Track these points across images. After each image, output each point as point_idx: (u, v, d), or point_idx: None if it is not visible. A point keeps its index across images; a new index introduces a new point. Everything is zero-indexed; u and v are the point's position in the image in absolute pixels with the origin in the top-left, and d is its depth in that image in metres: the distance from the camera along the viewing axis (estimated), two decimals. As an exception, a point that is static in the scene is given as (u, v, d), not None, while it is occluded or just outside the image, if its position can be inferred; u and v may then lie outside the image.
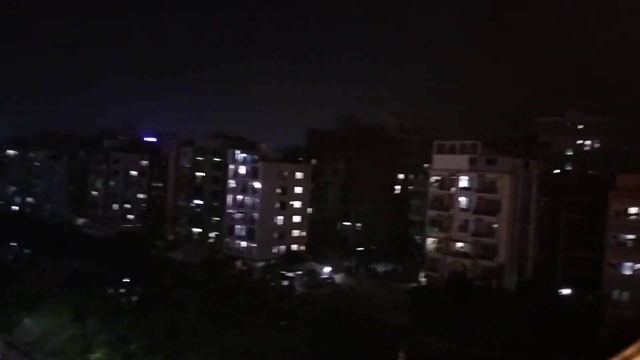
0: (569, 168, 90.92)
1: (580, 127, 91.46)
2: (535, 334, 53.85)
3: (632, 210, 65.39)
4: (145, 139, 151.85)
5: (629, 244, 65.28)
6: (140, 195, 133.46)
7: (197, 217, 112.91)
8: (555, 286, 76.06)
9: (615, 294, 65.08)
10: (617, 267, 65.57)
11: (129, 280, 73.47)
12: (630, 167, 78.93)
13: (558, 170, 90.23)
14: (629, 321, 56.38)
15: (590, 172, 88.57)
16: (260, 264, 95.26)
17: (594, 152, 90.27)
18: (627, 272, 65.07)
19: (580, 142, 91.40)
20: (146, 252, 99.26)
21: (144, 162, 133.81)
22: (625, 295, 64.46)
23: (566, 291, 75.13)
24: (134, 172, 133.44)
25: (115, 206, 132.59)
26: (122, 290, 71.07)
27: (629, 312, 59.04)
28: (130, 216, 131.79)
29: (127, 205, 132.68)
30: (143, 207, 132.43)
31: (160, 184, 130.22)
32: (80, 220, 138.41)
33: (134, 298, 69.03)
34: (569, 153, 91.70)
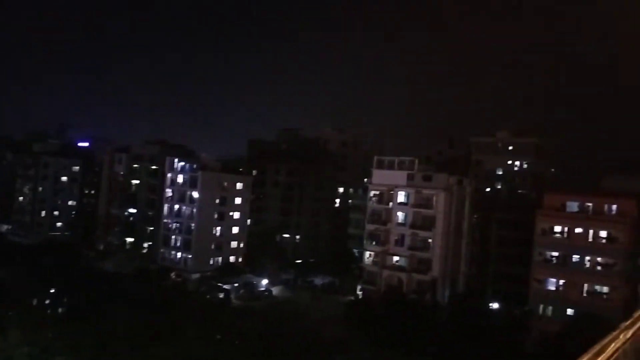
0: (499, 187, 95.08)
1: (510, 147, 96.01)
2: (465, 346, 55.58)
3: (557, 228, 68.92)
4: (78, 143, 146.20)
5: (554, 261, 68.68)
6: (71, 202, 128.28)
7: (131, 226, 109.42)
8: (485, 300, 78.93)
9: (541, 308, 68.19)
10: (543, 282, 68.79)
11: (55, 291, 70.03)
12: (555, 187, 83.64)
13: (489, 189, 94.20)
14: (553, 335, 59.21)
15: (519, 190, 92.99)
16: (196, 275, 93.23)
17: (522, 172, 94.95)
18: (552, 287, 68.38)
19: (510, 162, 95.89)
20: (75, 261, 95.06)
21: (76, 168, 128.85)
22: (549, 310, 67.65)
23: (495, 305, 78.15)
24: (64, 178, 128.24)
25: (43, 213, 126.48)
26: (47, 301, 67.65)
27: (552, 326, 61.95)
28: (59, 224, 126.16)
29: (56, 212, 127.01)
30: (73, 214, 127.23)
31: (93, 191, 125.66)
32: (4, 227, 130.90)
33: (60, 309, 65.85)
34: (500, 172, 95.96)
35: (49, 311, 64.92)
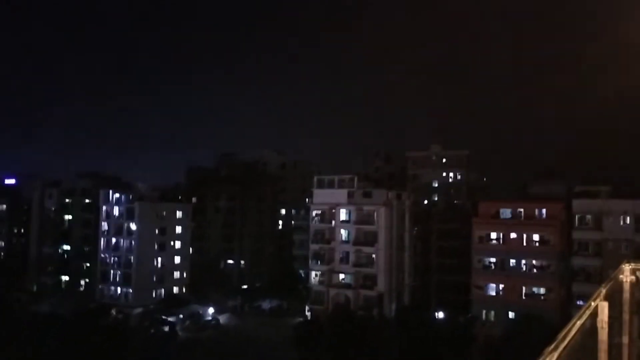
0: (436, 198, 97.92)
1: (444, 160, 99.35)
2: (413, 359, 56.31)
3: (493, 235, 71.67)
4: (3, 181, 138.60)
5: (492, 267, 71.21)
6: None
7: (66, 264, 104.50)
8: (430, 310, 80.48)
9: (484, 313, 70.32)
10: (483, 288, 71.06)
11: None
12: (488, 196, 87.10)
13: (427, 201, 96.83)
14: (496, 339, 61.03)
15: (455, 201, 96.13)
16: (138, 310, 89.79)
17: (457, 183, 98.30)
18: (492, 292, 70.77)
19: (445, 174, 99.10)
20: (5, 306, 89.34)
21: (2, 207, 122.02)
22: (492, 315, 69.87)
23: (440, 314, 79.83)
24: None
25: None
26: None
27: (495, 330, 63.89)
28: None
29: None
30: (1, 256, 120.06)
31: (22, 230, 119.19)
32: None
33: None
34: (436, 184, 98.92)
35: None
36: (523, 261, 69.34)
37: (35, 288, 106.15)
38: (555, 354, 3.51)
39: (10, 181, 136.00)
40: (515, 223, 70.64)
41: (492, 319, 69.44)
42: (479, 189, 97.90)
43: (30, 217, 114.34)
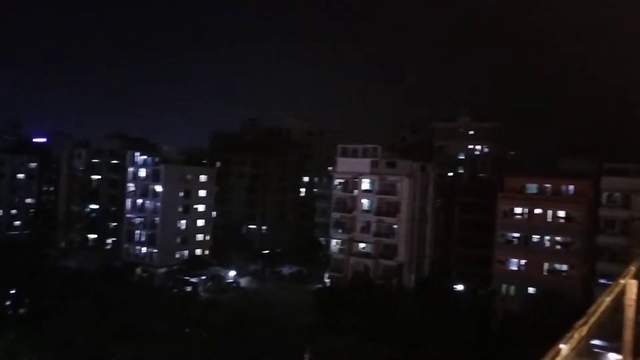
0: (461, 171, 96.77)
1: (471, 132, 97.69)
2: (431, 329, 56.72)
3: (518, 210, 70.78)
4: (34, 139, 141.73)
5: (515, 242, 70.61)
6: (29, 200, 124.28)
7: (93, 223, 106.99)
8: (450, 282, 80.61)
9: (504, 288, 70.13)
10: (505, 263, 70.64)
11: (16, 292, 68.08)
12: (515, 170, 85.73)
13: (452, 173, 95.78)
14: (515, 313, 61.00)
15: (481, 174, 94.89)
16: (162, 270, 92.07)
17: (483, 156, 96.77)
18: (514, 267, 70.34)
19: (471, 146, 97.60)
20: (36, 260, 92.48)
21: (33, 165, 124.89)
22: (512, 290, 69.64)
23: (460, 287, 79.92)
24: (21, 175, 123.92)
25: (0, 212, 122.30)
26: (8, 303, 65.73)
27: (515, 305, 63.78)
28: (18, 222, 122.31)
29: (14, 211, 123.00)
30: (32, 212, 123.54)
31: (52, 188, 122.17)
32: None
33: (22, 310, 64.12)
34: (461, 157, 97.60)
35: (10, 312, 63.07)
36: (547, 237, 68.50)
37: (63, 244, 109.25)
38: (585, 328, 3.43)
39: (41, 139, 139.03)
40: (541, 198, 69.57)
41: (512, 293, 69.22)
42: (506, 162, 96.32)
43: (59, 176, 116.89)
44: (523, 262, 69.56)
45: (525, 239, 69.46)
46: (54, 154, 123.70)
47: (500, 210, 71.57)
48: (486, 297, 70.11)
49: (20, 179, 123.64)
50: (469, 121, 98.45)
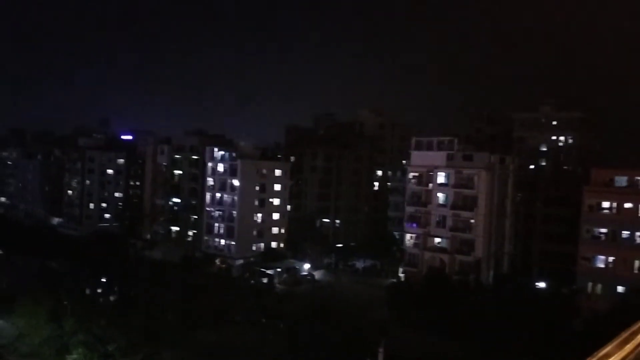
0: (543, 163, 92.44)
1: (554, 122, 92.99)
2: (511, 327, 54.75)
3: (605, 204, 66.78)
4: (121, 136, 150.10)
5: (603, 238, 66.70)
6: (117, 194, 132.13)
7: (175, 216, 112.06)
8: (530, 279, 77.46)
9: (589, 286, 66.49)
10: (591, 260, 66.94)
11: (106, 280, 72.62)
12: (603, 162, 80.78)
13: (533, 166, 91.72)
14: (602, 313, 57.65)
15: (565, 167, 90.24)
16: (239, 261, 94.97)
17: (567, 148, 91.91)
18: (600, 265, 66.49)
19: (554, 137, 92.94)
20: (124, 251, 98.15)
21: (121, 161, 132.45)
22: (599, 288, 65.89)
23: (542, 284, 76.59)
24: (110, 171, 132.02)
25: (92, 205, 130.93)
26: (99, 290, 70.25)
27: (601, 304, 60.33)
28: (107, 215, 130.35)
29: (104, 205, 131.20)
30: (120, 206, 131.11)
31: (137, 183, 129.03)
32: (56, 220, 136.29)
33: (112, 298, 68.29)
34: (544, 149, 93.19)
35: (101, 300, 67.29)
36: (637, 233, 64.18)
37: (148, 236, 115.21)
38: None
39: (128, 137, 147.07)
40: (631, 192, 65.33)
41: (599, 292, 65.50)
42: (593, 154, 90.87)
43: (145, 171, 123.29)
44: (611, 259, 65.75)
45: (613, 235, 65.53)
46: (139, 151, 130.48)
47: (585, 205, 67.87)
48: (570, 295, 66.73)
49: (109, 174, 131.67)
50: (551, 110, 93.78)
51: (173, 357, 47.78)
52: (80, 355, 49.99)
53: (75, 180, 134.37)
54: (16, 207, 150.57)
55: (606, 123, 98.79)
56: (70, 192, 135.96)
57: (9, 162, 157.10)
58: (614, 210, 65.84)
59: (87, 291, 70.18)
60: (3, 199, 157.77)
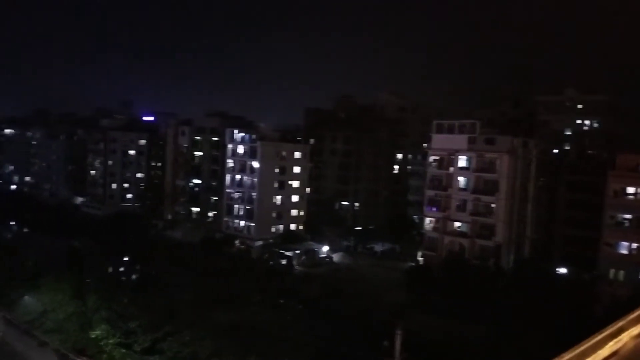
0: (567, 147, 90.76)
1: (580, 106, 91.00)
2: (531, 312, 54.34)
3: (630, 190, 65.47)
4: (143, 118, 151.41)
5: (627, 224, 65.52)
6: (139, 175, 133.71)
7: (196, 197, 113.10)
8: (552, 264, 76.56)
9: (612, 273, 65.55)
10: (614, 246, 65.89)
11: (128, 259, 73.80)
12: (629, 147, 78.94)
13: (557, 150, 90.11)
14: (624, 299, 56.82)
15: (589, 151, 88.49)
16: (259, 243, 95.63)
17: (592, 132, 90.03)
18: (624, 251, 65.43)
19: (579, 121, 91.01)
20: (145, 231, 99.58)
21: (142, 142, 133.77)
22: (621, 274, 64.93)
23: (563, 270, 75.70)
24: (132, 152, 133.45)
25: (114, 185, 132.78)
26: (121, 269, 71.44)
27: (623, 290, 59.47)
28: (129, 195, 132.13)
29: (126, 185, 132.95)
30: (142, 186, 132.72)
31: (159, 164, 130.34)
32: (79, 199, 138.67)
33: (133, 276, 69.42)
34: (568, 132, 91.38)
35: (123, 278, 68.46)
36: (663, 220, 62.86)
37: (169, 217, 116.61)
38: None
39: (149, 118, 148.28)
40: (658, 178, 63.76)
41: (622, 279, 64.53)
42: (618, 139, 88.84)
43: (166, 152, 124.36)
44: (635, 245, 64.57)
45: (638, 221, 64.26)
46: (160, 132, 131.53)
47: (610, 190, 66.62)
48: (591, 281, 65.88)
49: (131, 155, 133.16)
50: (575, 93, 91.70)
51: (192, 335, 48.47)
52: (104, 331, 51.15)
53: (98, 161, 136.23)
54: (41, 186, 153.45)
55: (632, 108, 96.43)
56: (93, 172, 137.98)
57: (33, 142, 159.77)
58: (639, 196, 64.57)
59: (110, 270, 71.40)
60: (28, 179, 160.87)
